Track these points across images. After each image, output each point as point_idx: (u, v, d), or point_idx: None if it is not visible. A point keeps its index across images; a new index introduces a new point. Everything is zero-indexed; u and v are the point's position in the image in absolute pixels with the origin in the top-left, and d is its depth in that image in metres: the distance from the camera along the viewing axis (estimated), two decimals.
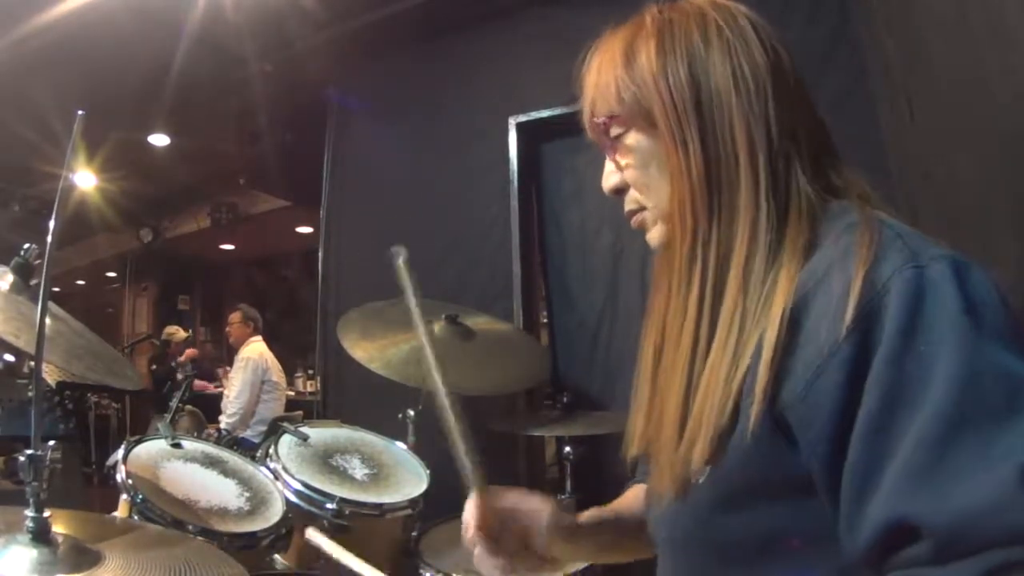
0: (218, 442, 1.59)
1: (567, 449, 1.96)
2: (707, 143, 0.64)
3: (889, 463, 0.50)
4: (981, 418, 0.48)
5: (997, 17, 1.06)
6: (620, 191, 0.73)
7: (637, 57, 0.67)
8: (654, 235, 0.72)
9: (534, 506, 0.81)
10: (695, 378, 0.63)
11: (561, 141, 2.54)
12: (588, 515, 0.87)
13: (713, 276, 0.63)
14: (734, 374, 0.60)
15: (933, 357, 0.50)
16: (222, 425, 4.09)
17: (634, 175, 0.71)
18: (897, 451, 0.50)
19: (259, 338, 4.48)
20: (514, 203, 2.52)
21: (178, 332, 6.56)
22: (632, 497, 0.92)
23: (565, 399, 1.99)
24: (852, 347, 0.52)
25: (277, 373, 4.38)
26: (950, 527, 0.47)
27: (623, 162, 0.71)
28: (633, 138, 0.69)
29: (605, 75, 0.70)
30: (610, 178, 0.73)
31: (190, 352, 6.33)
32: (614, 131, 0.70)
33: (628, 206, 0.73)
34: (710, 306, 0.63)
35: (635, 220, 0.73)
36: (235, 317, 4.61)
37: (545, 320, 2.58)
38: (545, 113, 2.49)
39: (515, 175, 2.53)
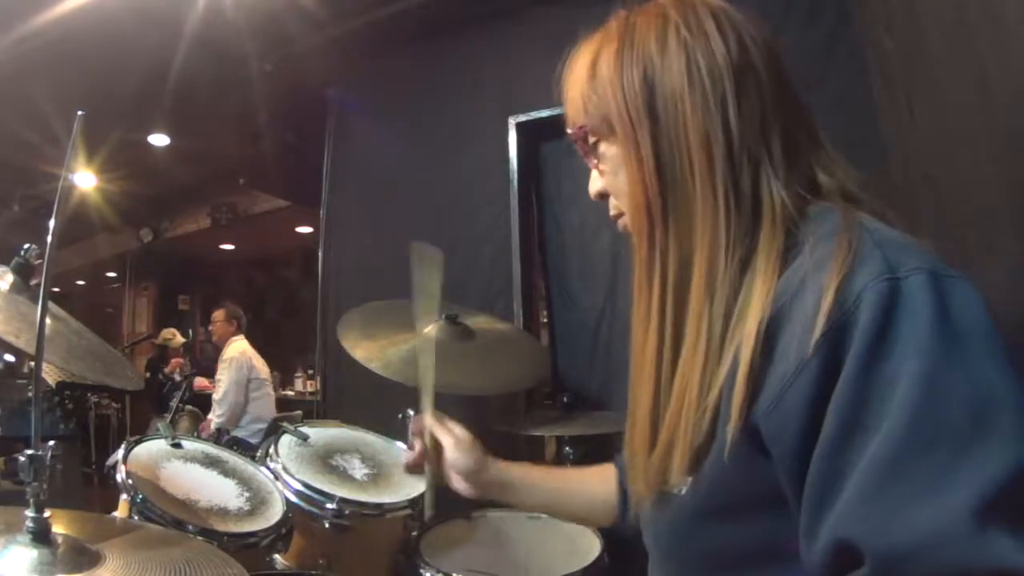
0: (218, 442, 1.59)
1: (567, 449, 1.96)
2: (660, 147, 0.63)
3: (844, 483, 0.49)
4: (940, 442, 0.46)
5: (997, 17, 1.06)
6: (603, 196, 0.74)
7: (599, 67, 0.67)
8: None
9: (462, 451, 0.96)
10: (663, 382, 0.62)
11: (561, 141, 2.53)
12: (526, 473, 0.99)
13: (674, 281, 0.62)
14: (708, 390, 0.59)
15: (897, 376, 0.48)
16: (212, 425, 4.10)
17: (609, 181, 0.72)
18: (852, 472, 0.48)
19: (241, 336, 4.48)
20: (514, 203, 2.51)
21: (175, 337, 6.48)
22: (595, 472, 0.97)
23: (565, 399, 2.00)
24: (820, 362, 0.51)
25: (262, 369, 4.40)
26: (891, 554, 0.46)
27: (601, 167, 0.72)
28: (603, 146, 0.70)
29: (574, 87, 0.70)
30: (593, 184, 0.74)
31: (176, 362, 6.25)
32: (590, 139, 0.71)
33: (612, 211, 0.74)
34: (673, 311, 0.62)
35: (620, 223, 0.74)
36: (219, 315, 4.58)
37: (545, 320, 2.58)
38: (545, 113, 2.48)
39: (515, 175, 2.53)
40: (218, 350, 4.52)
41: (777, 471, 0.55)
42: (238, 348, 4.36)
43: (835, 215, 0.59)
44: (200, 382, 5.48)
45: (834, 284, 0.52)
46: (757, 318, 0.56)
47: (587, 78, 0.69)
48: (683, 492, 0.63)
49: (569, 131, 0.72)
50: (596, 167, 0.73)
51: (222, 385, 4.18)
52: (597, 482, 0.95)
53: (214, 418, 4.13)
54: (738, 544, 0.61)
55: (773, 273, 0.57)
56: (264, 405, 4.29)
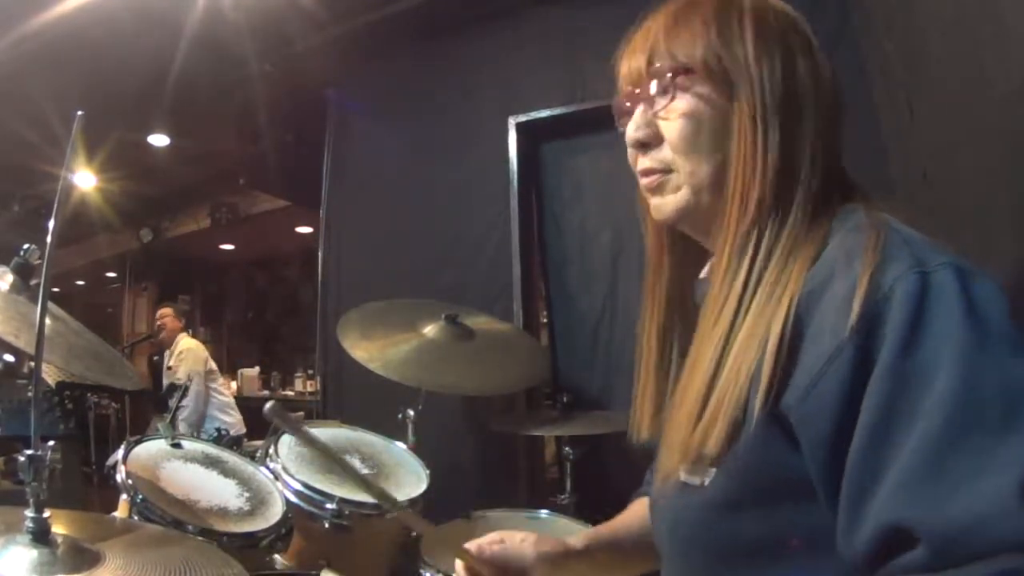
0: (218, 442, 1.59)
1: (567, 449, 1.96)
2: (786, 137, 0.65)
3: (887, 470, 0.50)
4: (981, 427, 0.48)
5: (997, 17, 1.06)
6: (646, 145, 0.71)
7: (731, 29, 0.67)
8: (670, 201, 0.70)
9: (516, 545, 0.84)
10: (724, 361, 0.62)
11: (561, 141, 2.54)
12: (581, 538, 0.88)
13: (761, 263, 0.63)
14: (753, 366, 0.60)
15: (934, 364, 0.50)
16: (181, 429, 4.06)
17: (679, 132, 0.68)
18: (896, 458, 0.50)
19: (187, 333, 4.63)
20: (514, 203, 2.52)
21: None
22: (634, 514, 0.93)
23: (565, 399, 2.00)
24: (854, 351, 0.52)
25: (212, 361, 4.56)
26: (946, 533, 0.47)
27: (670, 115, 0.68)
28: (699, 94, 0.67)
29: (688, 29, 0.68)
30: (641, 128, 0.70)
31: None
32: (678, 80, 0.68)
33: (649, 163, 0.71)
34: (752, 292, 0.63)
35: (652, 180, 0.71)
36: (167, 312, 4.63)
37: (545, 320, 2.58)
38: (545, 113, 2.49)
39: (515, 175, 2.53)
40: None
41: (805, 459, 0.56)
42: (191, 343, 4.50)
43: (859, 213, 0.62)
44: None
45: (866, 275, 0.54)
46: (788, 299, 0.58)
47: (714, 31, 0.67)
48: (705, 483, 0.63)
49: (663, 64, 0.68)
50: (655, 112, 0.70)
51: (181, 379, 4.19)
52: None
53: (183, 425, 4.03)
54: (755, 537, 0.61)
55: (808, 260, 0.61)
56: (225, 393, 4.46)
